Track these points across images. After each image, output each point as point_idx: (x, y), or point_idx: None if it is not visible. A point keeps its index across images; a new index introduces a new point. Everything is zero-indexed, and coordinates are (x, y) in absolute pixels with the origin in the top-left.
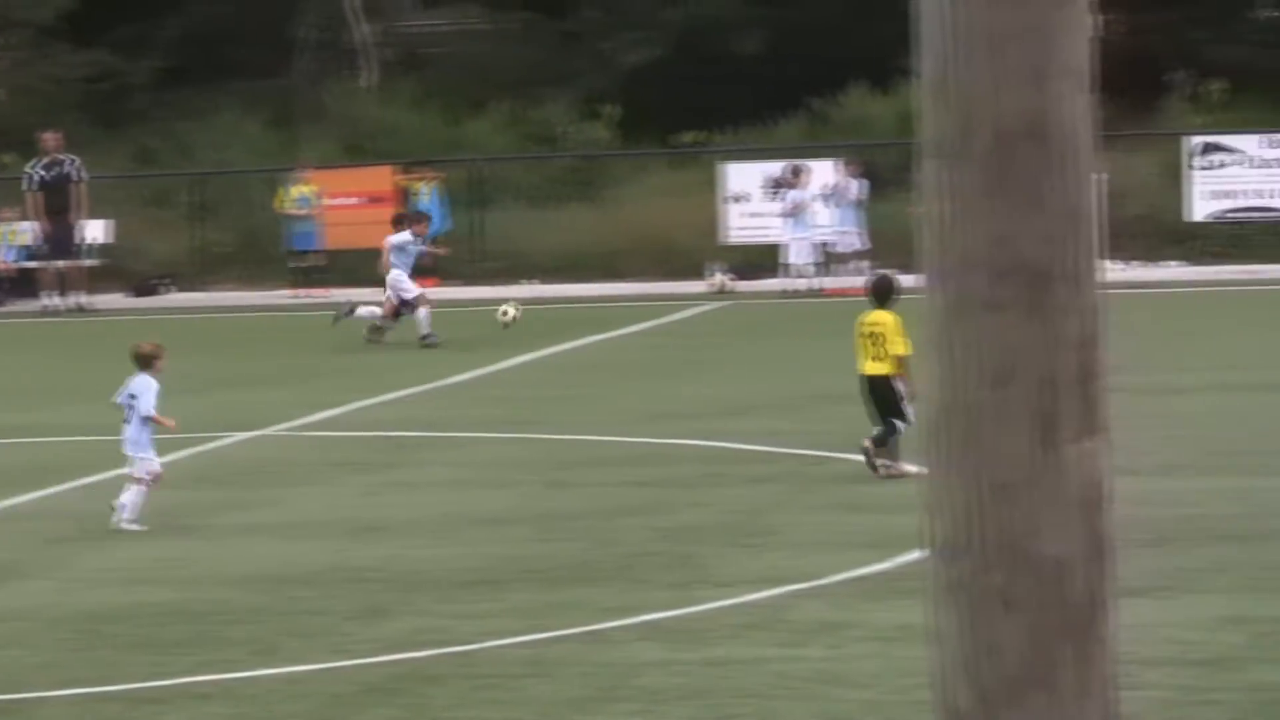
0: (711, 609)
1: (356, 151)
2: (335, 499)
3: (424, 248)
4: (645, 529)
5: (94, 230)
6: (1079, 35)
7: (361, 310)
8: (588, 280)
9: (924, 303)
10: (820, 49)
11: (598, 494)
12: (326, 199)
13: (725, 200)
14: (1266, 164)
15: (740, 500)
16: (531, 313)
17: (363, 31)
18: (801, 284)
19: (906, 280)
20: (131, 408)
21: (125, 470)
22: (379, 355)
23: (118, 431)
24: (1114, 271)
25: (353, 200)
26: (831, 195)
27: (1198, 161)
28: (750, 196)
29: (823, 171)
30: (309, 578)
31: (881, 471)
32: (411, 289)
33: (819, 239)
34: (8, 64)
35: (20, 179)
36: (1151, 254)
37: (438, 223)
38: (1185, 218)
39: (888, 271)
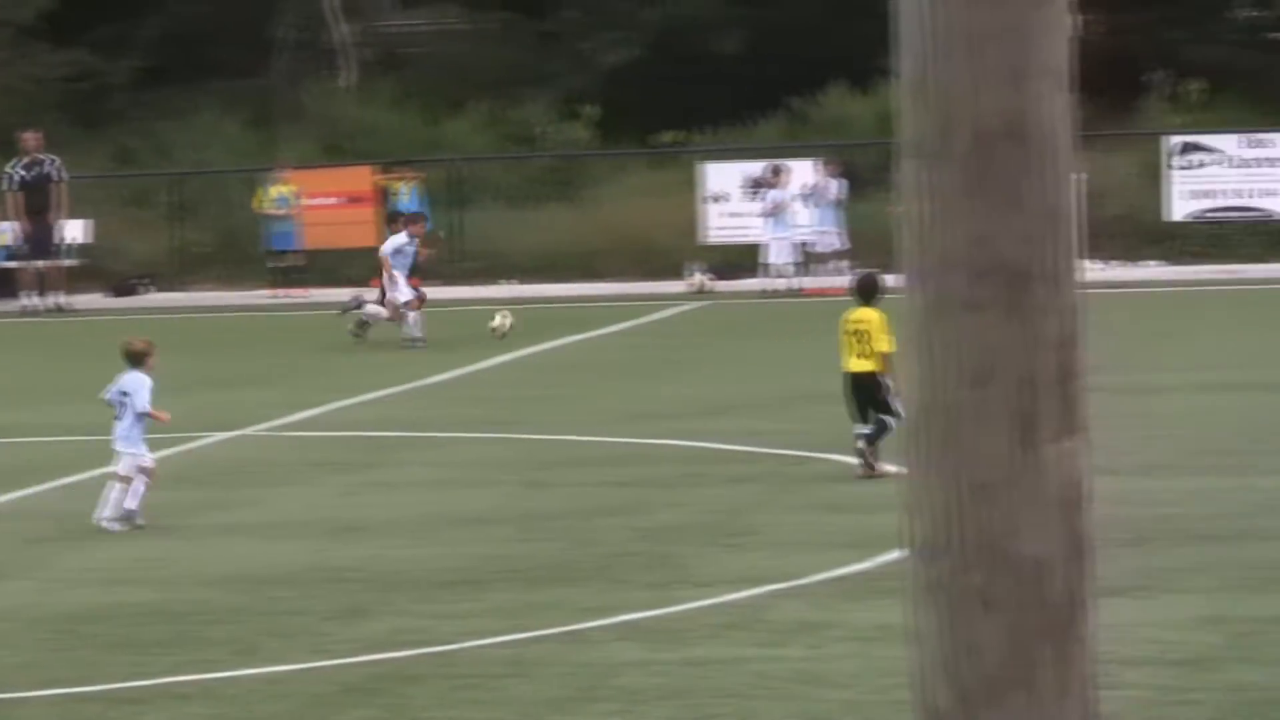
0: (691, 609)
1: (335, 151)
2: (315, 499)
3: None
4: (625, 529)
5: (73, 230)
6: (1058, 35)
7: (369, 308)
8: (567, 280)
9: (904, 302)
10: (799, 49)
11: (577, 494)
12: (305, 199)
13: (704, 200)
14: (1245, 164)
15: (720, 500)
16: (511, 313)
17: (342, 31)
18: (781, 284)
19: (886, 280)
20: (122, 404)
21: (110, 468)
22: (358, 355)
23: (97, 431)
24: (1093, 271)
25: (332, 200)
26: (811, 195)
27: (1177, 161)
28: (730, 196)
29: (802, 171)
30: (289, 578)
31: (860, 472)
32: (406, 293)
33: (798, 239)
34: None
35: (0, 179)
36: (1131, 254)
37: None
38: (1164, 217)
39: (873, 269)
